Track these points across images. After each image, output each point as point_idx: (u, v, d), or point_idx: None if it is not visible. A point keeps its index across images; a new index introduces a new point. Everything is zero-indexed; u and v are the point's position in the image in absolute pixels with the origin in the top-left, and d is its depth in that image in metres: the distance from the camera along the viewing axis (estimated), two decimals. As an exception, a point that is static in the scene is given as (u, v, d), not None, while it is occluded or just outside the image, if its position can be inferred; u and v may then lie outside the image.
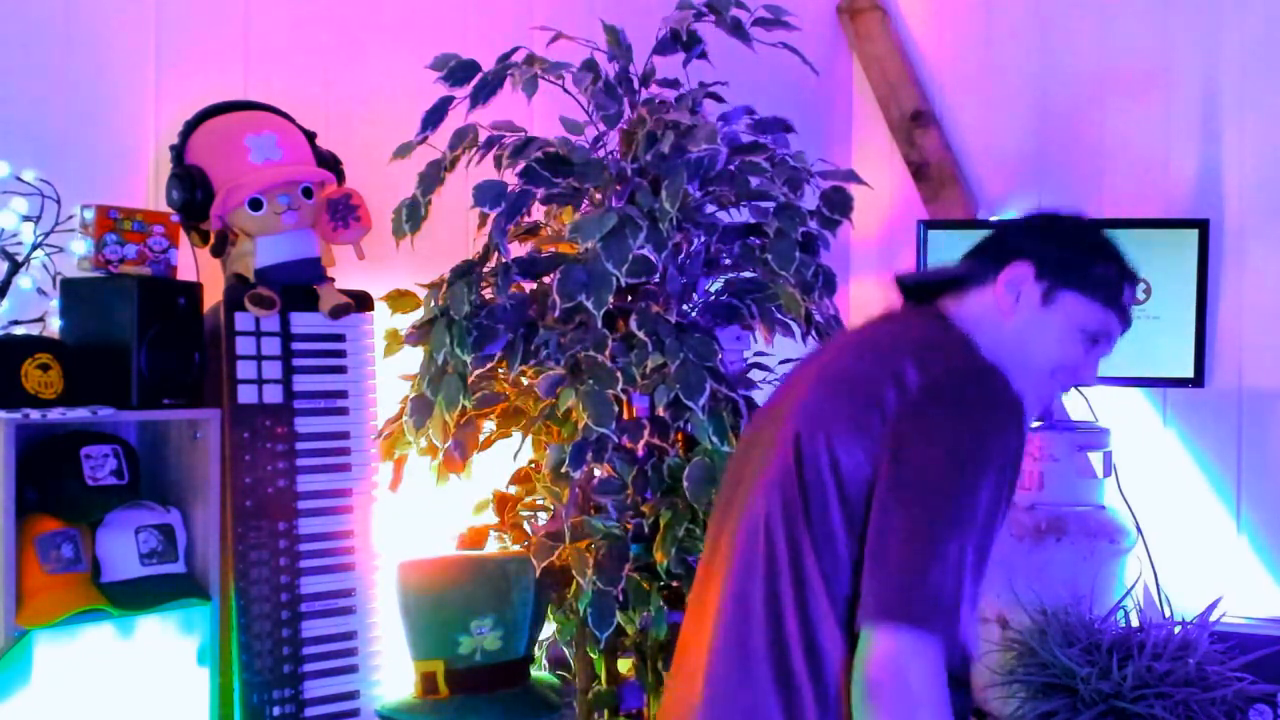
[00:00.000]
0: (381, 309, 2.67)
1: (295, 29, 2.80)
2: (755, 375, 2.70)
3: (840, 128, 3.87)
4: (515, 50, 2.61)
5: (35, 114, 2.46)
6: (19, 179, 2.30)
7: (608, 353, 2.42)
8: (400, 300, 2.74)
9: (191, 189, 2.40)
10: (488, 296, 2.55)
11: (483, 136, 2.56)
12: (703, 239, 2.62)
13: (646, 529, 2.52)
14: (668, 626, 2.48)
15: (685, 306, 2.60)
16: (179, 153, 2.45)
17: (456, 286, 2.51)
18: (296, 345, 2.49)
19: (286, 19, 2.79)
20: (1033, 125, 3.50)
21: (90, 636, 2.19)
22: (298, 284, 2.49)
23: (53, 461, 2.20)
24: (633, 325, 2.45)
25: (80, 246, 2.29)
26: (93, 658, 2.19)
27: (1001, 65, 3.58)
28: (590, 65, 2.59)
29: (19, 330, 2.28)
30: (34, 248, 2.29)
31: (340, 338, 2.54)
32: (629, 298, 2.54)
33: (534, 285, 2.60)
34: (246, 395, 2.42)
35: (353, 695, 2.51)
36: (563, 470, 2.43)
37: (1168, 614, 2.84)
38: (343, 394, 2.54)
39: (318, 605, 2.48)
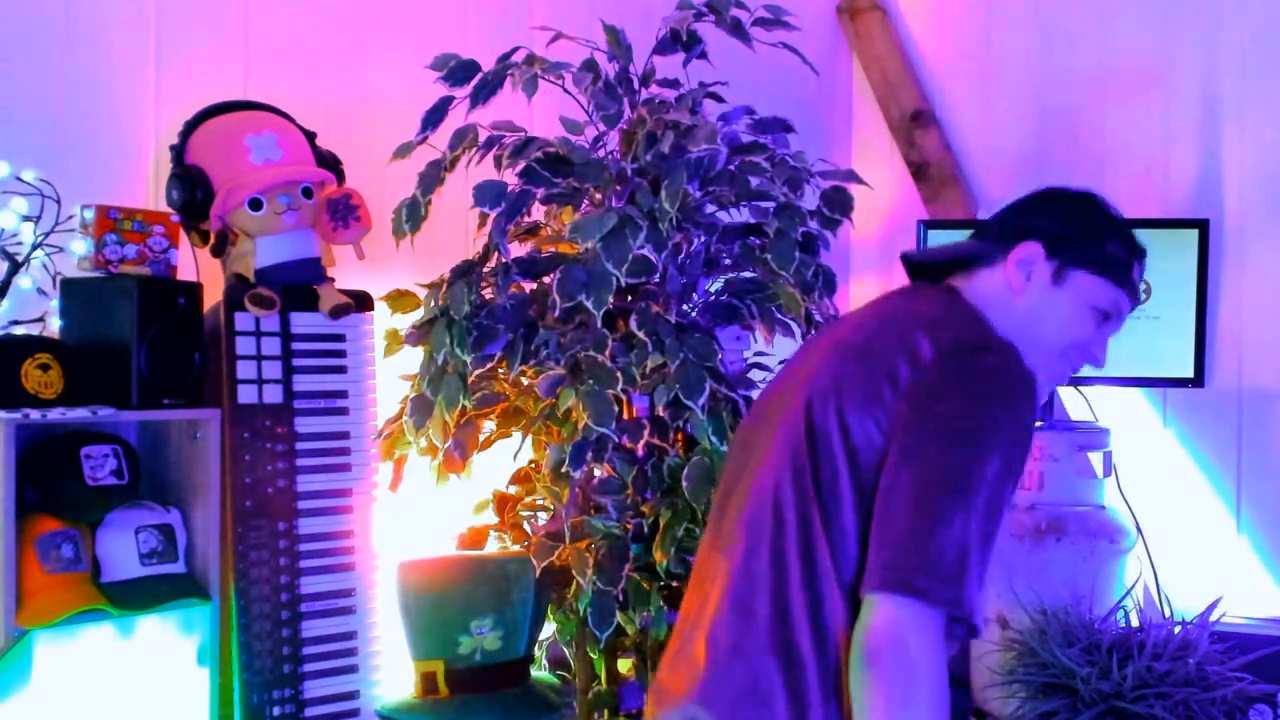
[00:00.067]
0: (381, 309, 2.67)
1: (295, 29, 2.80)
2: (755, 375, 2.70)
3: (840, 128, 3.87)
4: (515, 50, 2.61)
5: (35, 114, 2.46)
6: (19, 179, 2.30)
7: (608, 353, 2.42)
8: (400, 300, 2.74)
9: (191, 189, 2.40)
10: (488, 296, 2.55)
11: (483, 136, 2.56)
12: (703, 239, 2.62)
13: (646, 529, 2.52)
14: (668, 626, 2.48)
15: (685, 306, 2.60)
16: (179, 153, 2.45)
17: (456, 286, 2.51)
18: (296, 345, 2.49)
19: (286, 19, 2.79)
20: (1033, 125, 3.50)
21: (90, 636, 2.19)
22: (298, 284, 2.49)
23: (53, 461, 2.20)
24: (633, 325, 2.45)
25: (80, 246, 2.29)
26: (93, 658, 2.19)
27: (1001, 65, 3.58)
28: (590, 65, 2.59)
29: (19, 330, 2.28)
30: (34, 248, 2.29)
31: (340, 338, 2.54)
32: (629, 298, 2.54)
33: (534, 285, 2.60)
34: (246, 395, 2.42)
35: (353, 695, 2.51)
36: (563, 470, 2.43)
37: (1168, 614, 2.84)
38: (343, 394, 2.54)
39: (318, 605, 2.48)
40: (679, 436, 2.54)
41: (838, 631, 1.64)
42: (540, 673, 2.71)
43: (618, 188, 2.53)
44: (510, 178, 2.51)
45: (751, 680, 1.66)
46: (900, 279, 2.03)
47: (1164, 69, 3.26)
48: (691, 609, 1.80)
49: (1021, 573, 2.82)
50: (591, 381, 2.40)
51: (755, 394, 2.62)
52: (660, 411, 2.43)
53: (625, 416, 2.53)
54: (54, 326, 2.33)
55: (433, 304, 2.58)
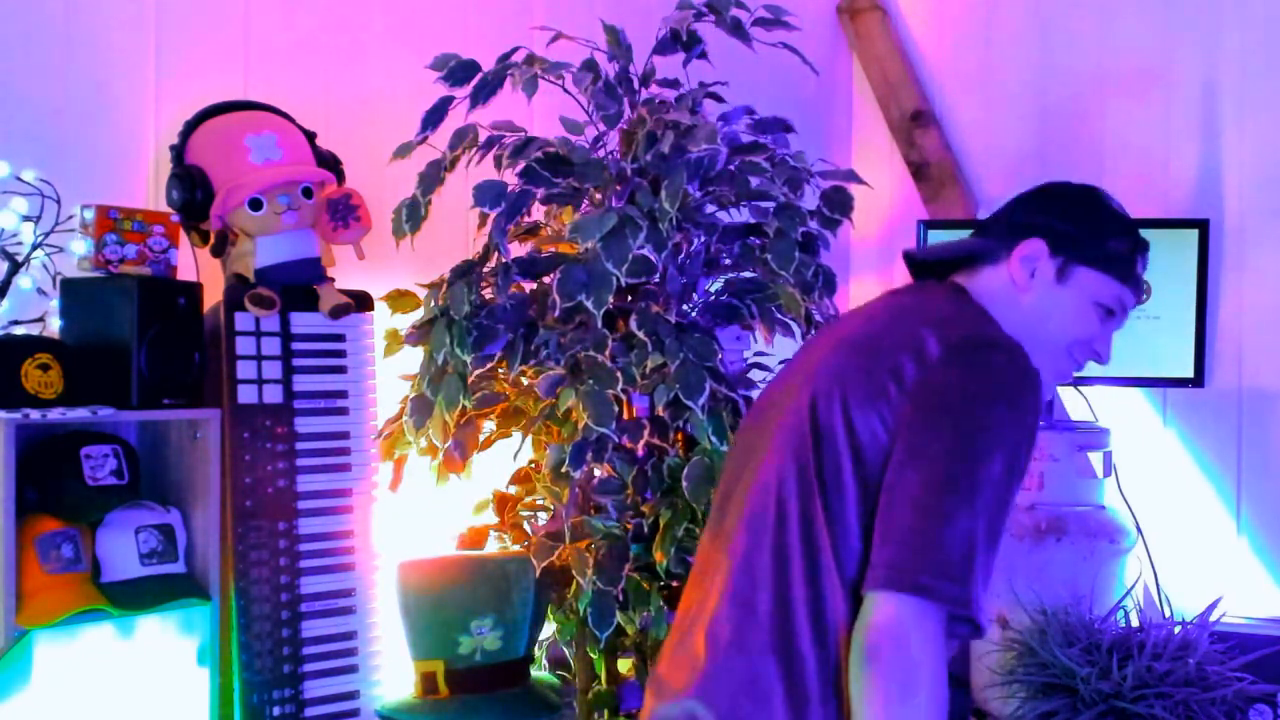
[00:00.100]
0: (381, 309, 2.67)
1: (295, 29, 2.80)
2: (755, 375, 2.70)
3: (840, 128, 3.87)
4: (515, 50, 2.61)
5: (35, 114, 2.46)
6: (19, 179, 2.30)
7: (608, 353, 2.42)
8: (400, 300, 2.74)
9: (191, 189, 2.40)
10: (488, 296, 2.55)
11: (483, 136, 2.56)
12: (703, 239, 2.62)
13: (646, 529, 2.52)
14: (668, 626, 2.48)
15: (685, 306, 2.60)
16: (179, 153, 2.45)
17: (456, 286, 2.51)
18: (296, 345, 2.49)
19: (286, 19, 2.79)
20: (1033, 125, 3.50)
21: (90, 636, 2.19)
22: (298, 284, 2.49)
23: (53, 461, 2.20)
24: (633, 325, 2.45)
25: (80, 246, 2.29)
26: (93, 658, 2.19)
27: (1001, 65, 3.58)
28: (590, 65, 2.59)
29: (19, 330, 2.28)
30: (34, 248, 2.29)
31: (340, 338, 2.54)
32: (629, 298, 2.54)
33: (534, 285, 2.60)
34: (246, 395, 2.42)
35: (353, 695, 2.51)
36: (563, 470, 2.43)
37: (1168, 614, 2.84)
38: (343, 394, 2.54)
39: (318, 605, 2.48)
40: (679, 436, 2.54)
41: (839, 628, 1.64)
42: (540, 673, 2.71)
43: (618, 188, 2.53)
44: (510, 178, 2.51)
45: (751, 675, 1.66)
46: (901, 278, 2.03)
47: (1164, 69, 3.26)
48: (691, 604, 1.80)
49: (1021, 573, 2.82)
50: (591, 381, 2.40)
51: (755, 394, 2.62)
52: (660, 411, 2.43)
53: (625, 416, 2.53)
54: (54, 326, 2.33)
55: (433, 304, 2.58)
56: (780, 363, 2.71)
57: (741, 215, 2.69)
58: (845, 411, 1.68)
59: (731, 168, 2.59)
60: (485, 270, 2.59)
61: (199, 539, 2.36)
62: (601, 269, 2.40)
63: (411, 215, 2.52)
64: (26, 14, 2.46)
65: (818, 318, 2.63)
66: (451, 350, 2.49)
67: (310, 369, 2.50)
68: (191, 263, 2.50)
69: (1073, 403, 3.23)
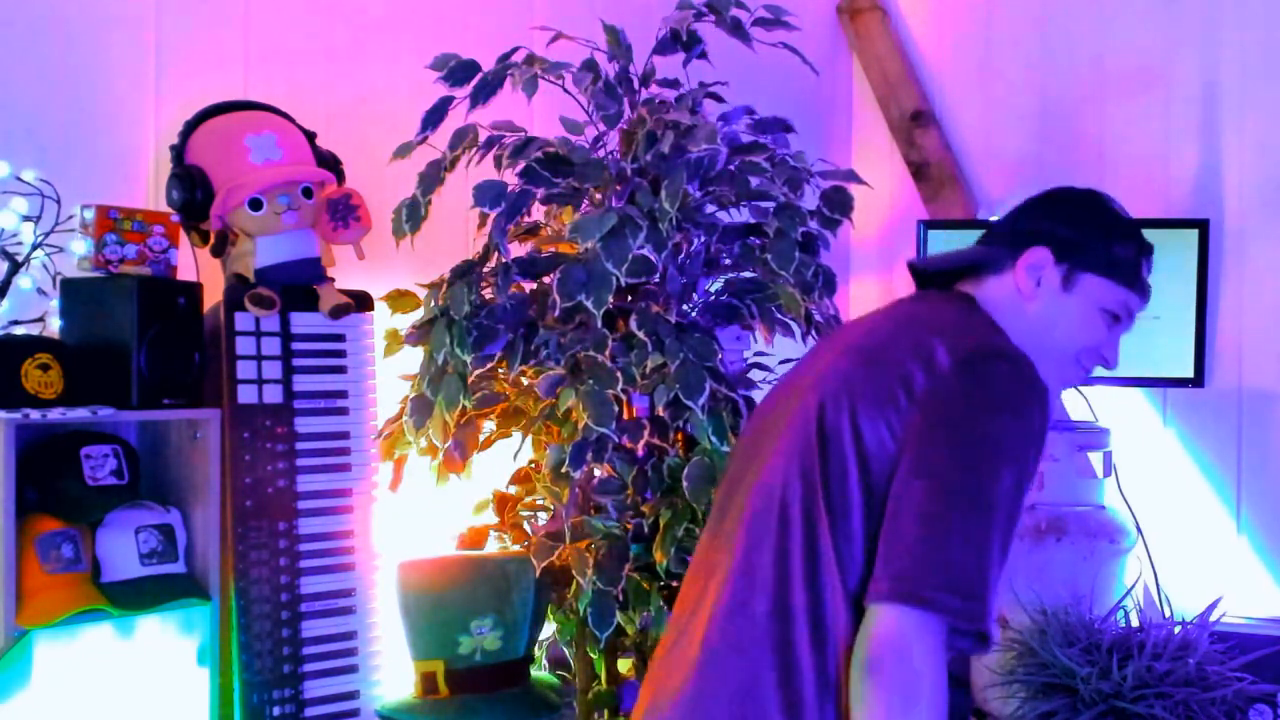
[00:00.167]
0: (381, 309, 2.67)
1: (295, 29, 2.80)
2: (755, 375, 2.70)
3: (840, 128, 3.87)
4: (515, 50, 2.61)
5: (35, 114, 2.46)
6: (19, 179, 2.30)
7: (608, 353, 2.42)
8: (400, 300, 2.74)
9: (191, 189, 2.40)
10: (488, 296, 2.55)
11: (483, 136, 2.56)
12: (703, 239, 2.62)
13: (646, 529, 2.52)
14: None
15: (685, 306, 2.60)
16: (179, 153, 2.45)
17: (456, 286, 2.51)
18: (296, 345, 2.49)
19: (286, 19, 2.79)
20: (1033, 125, 3.50)
21: (90, 636, 2.19)
22: (298, 284, 2.49)
23: (53, 461, 2.20)
24: (633, 325, 2.45)
25: (80, 246, 2.29)
26: (93, 658, 2.19)
27: (1001, 65, 3.58)
28: (590, 65, 2.59)
29: (19, 330, 2.28)
30: (34, 248, 2.29)
31: (340, 338, 2.54)
32: (629, 298, 2.54)
33: (534, 285, 2.60)
34: (246, 395, 2.42)
35: (353, 695, 2.51)
36: (563, 470, 2.43)
37: (1168, 614, 2.84)
38: (343, 394, 2.54)
39: (318, 605, 2.48)
40: (679, 436, 2.54)
41: (838, 635, 1.63)
42: (540, 673, 2.71)
43: (618, 188, 2.53)
44: (510, 178, 2.51)
45: (747, 679, 1.65)
46: (901, 278, 2.03)
47: (1164, 69, 3.26)
48: (688, 605, 1.79)
49: (1021, 573, 2.82)
50: (591, 381, 2.40)
51: (755, 394, 2.62)
52: (660, 411, 2.43)
53: (625, 416, 2.53)
54: (54, 326, 2.33)
55: (433, 304, 2.58)
56: (781, 363, 2.72)
57: (741, 215, 2.69)
58: (853, 418, 1.67)
59: (731, 168, 2.59)
60: (485, 270, 2.59)
61: (199, 539, 2.36)
62: (601, 269, 2.40)
63: (411, 215, 2.52)
64: (27, 14, 2.46)
65: (818, 318, 2.63)
66: (451, 350, 2.49)
67: (310, 369, 2.50)
68: (191, 263, 2.50)
69: (1073, 403, 3.23)
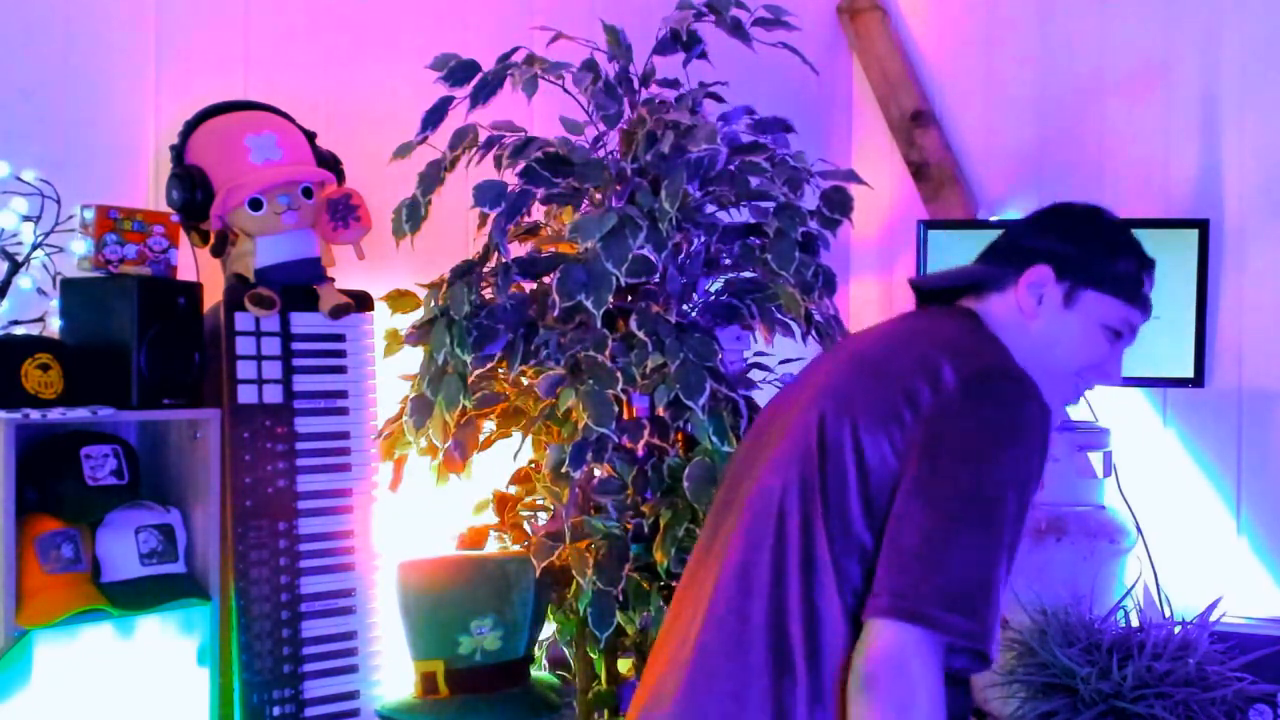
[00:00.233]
0: (381, 309, 2.67)
1: (295, 29, 2.80)
2: (755, 375, 2.70)
3: (840, 128, 3.87)
4: (515, 50, 2.61)
5: (35, 114, 2.46)
6: (19, 179, 2.30)
7: (608, 353, 2.42)
8: (400, 300, 2.74)
9: (191, 189, 2.40)
10: (488, 296, 2.55)
11: (483, 136, 2.56)
12: (703, 239, 2.62)
13: (646, 529, 2.52)
14: (668, 626, 2.48)
15: (685, 306, 2.60)
16: (179, 153, 2.45)
17: (456, 286, 2.51)
18: (296, 345, 2.49)
19: (286, 19, 2.79)
20: (1033, 125, 3.50)
21: (90, 636, 2.19)
22: (298, 284, 2.49)
23: (53, 461, 2.20)
24: (633, 325, 2.45)
25: (80, 246, 2.29)
26: (93, 658, 2.19)
27: (1001, 65, 3.58)
28: (590, 65, 2.59)
29: (19, 330, 2.28)
30: (34, 248, 2.29)
31: (340, 338, 2.54)
32: (629, 298, 2.54)
33: (534, 285, 2.60)
34: (246, 395, 2.42)
35: (353, 695, 2.51)
36: (563, 470, 2.43)
37: (1168, 614, 2.84)
38: (343, 394, 2.54)
39: (318, 605, 2.48)
40: (679, 437, 2.54)
41: (834, 648, 1.63)
42: (540, 673, 2.71)
43: (618, 188, 2.53)
44: (510, 178, 2.51)
45: (739, 685, 1.65)
46: (901, 280, 2.03)
47: (1164, 69, 3.26)
48: (684, 612, 1.79)
49: (1021, 573, 2.80)
50: (591, 381, 2.40)
51: (755, 394, 2.62)
52: (660, 411, 2.43)
53: (625, 416, 2.53)
54: (54, 326, 2.33)
55: (433, 304, 2.58)
56: (781, 362, 2.72)
57: (741, 215, 2.69)
58: (854, 432, 1.67)
59: (731, 168, 2.59)
60: (485, 270, 2.59)
61: (199, 539, 2.36)
62: (601, 269, 2.40)
63: (411, 215, 2.52)
64: (27, 14, 2.46)
65: (818, 318, 2.63)
66: (451, 350, 2.49)
67: (310, 369, 2.50)
68: (191, 263, 2.50)
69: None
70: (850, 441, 1.67)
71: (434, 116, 2.57)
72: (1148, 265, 1.87)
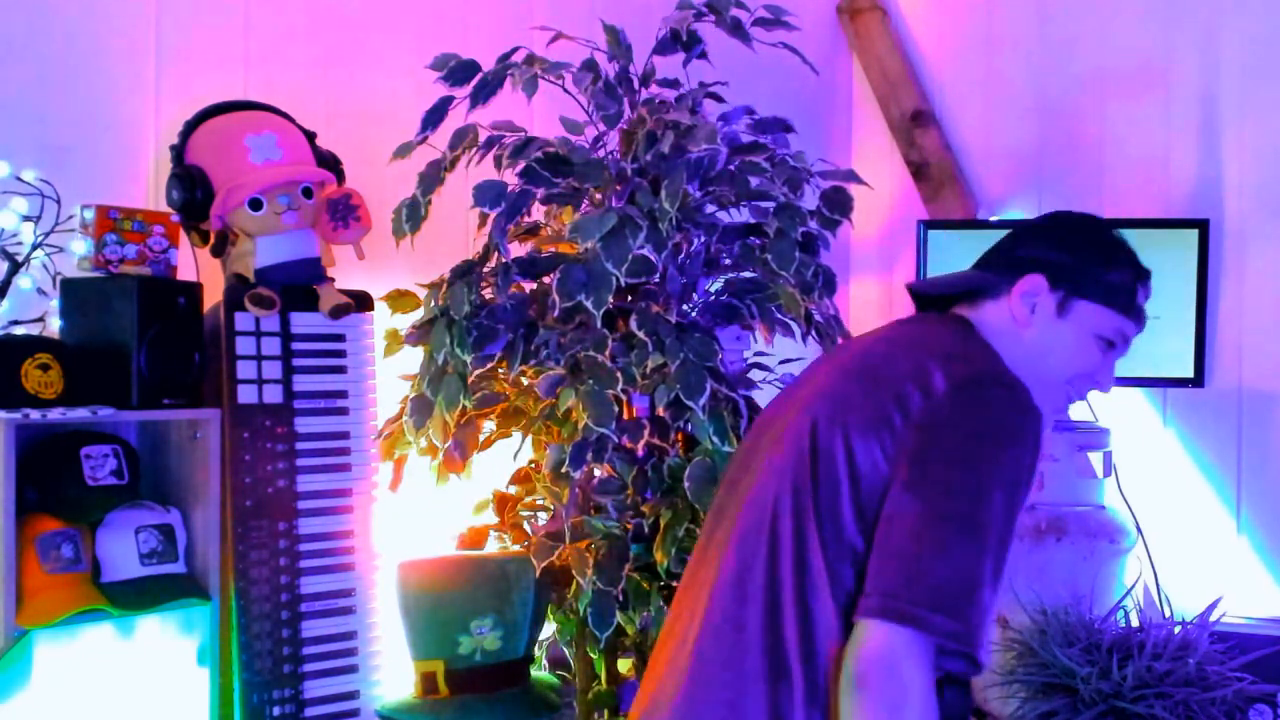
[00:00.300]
0: (381, 309, 2.67)
1: (295, 29, 2.80)
2: (755, 375, 2.70)
3: (840, 128, 3.87)
4: (515, 50, 2.61)
5: (35, 114, 2.46)
6: (19, 179, 2.30)
7: (608, 353, 2.42)
8: (400, 300, 2.74)
9: (191, 189, 2.40)
10: (488, 296, 2.55)
11: (483, 136, 2.56)
12: (703, 239, 2.62)
13: (646, 529, 2.52)
14: (668, 626, 2.48)
15: (685, 306, 2.60)
16: (179, 153, 2.45)
17: (456, 286, 2.51)
18: (296, 345, 2.49)
19: (286, 19, 2.79)
20: (1033, 125, 3.50)
21: (90, 636, 2.19)
22: (298, 284, 2.49)
23: (53, 461, 2.20)
24: (633, 325, 2.45)
25: (80, 246, 2.29)
26: (93, 658, 2.19)
27: (1001, 65, 3.58)
28: (590, 65, 2.59)
29: (19, 330, 2.28)
30: (34, 248, 2.29)
31: (340, 338, 2.54)
32: (629, 298, 2.54)
33: (534, 285, 2.60)
34: (246, 395, 2.42)
35: (353, 695, 2.51)
36: (563, 470, 2.43)
37: (1168, 614, 2.84)
38: (343, 394, 2.54)
39: (318, 605, 2.48)
40: (679, 437, 2.54)
41: (828, 652, 1.64)
42: (540, 673, 2.71)
43: (618, 188, 2.53)
44: (510, 178, 2.51)
45: (734, 696, 1.66)
46: (901, 280, 2.03)
47: (1164, 69, 3.26)
48: (681, 618, 1.80)
49: (1021, 573, 2.82)
50: (591, 381, 2.40)
51: (755, 394, 2.62)
52: (660, 412, 2.43)
53: (625, 416, 2.53)
54: (54, 326, 2.33)
55: (433, 304, 2.58)
56: (781, 363, 2.72)
57: (741, 215, 2.69)
58: (846, 437, 1.68)
59: (731, 168, 2.59)
60: (485, 270, 2.59)
61: (199, 539, 2.36)
62: (601, 269, 2.40)
63: (411, 215, 2.52)
64: (27, 14, 2.46)
65: (818, 318, 2.63)
66: (451, 350, 2.49)
67: (310, 369, 2.50)
68: (191, 263, 2.50)
69: (1074, 404, 3.23)
70: (842, 447, 1.68)
71: (434, 116, 2.57)
72: (1143, 276, 1.87)
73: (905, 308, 2.01)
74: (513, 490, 2.74)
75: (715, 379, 2.42)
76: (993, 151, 3.59)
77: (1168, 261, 3.03)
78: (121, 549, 2.25)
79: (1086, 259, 1.84)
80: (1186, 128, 3.22)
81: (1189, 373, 3.09)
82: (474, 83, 2.55)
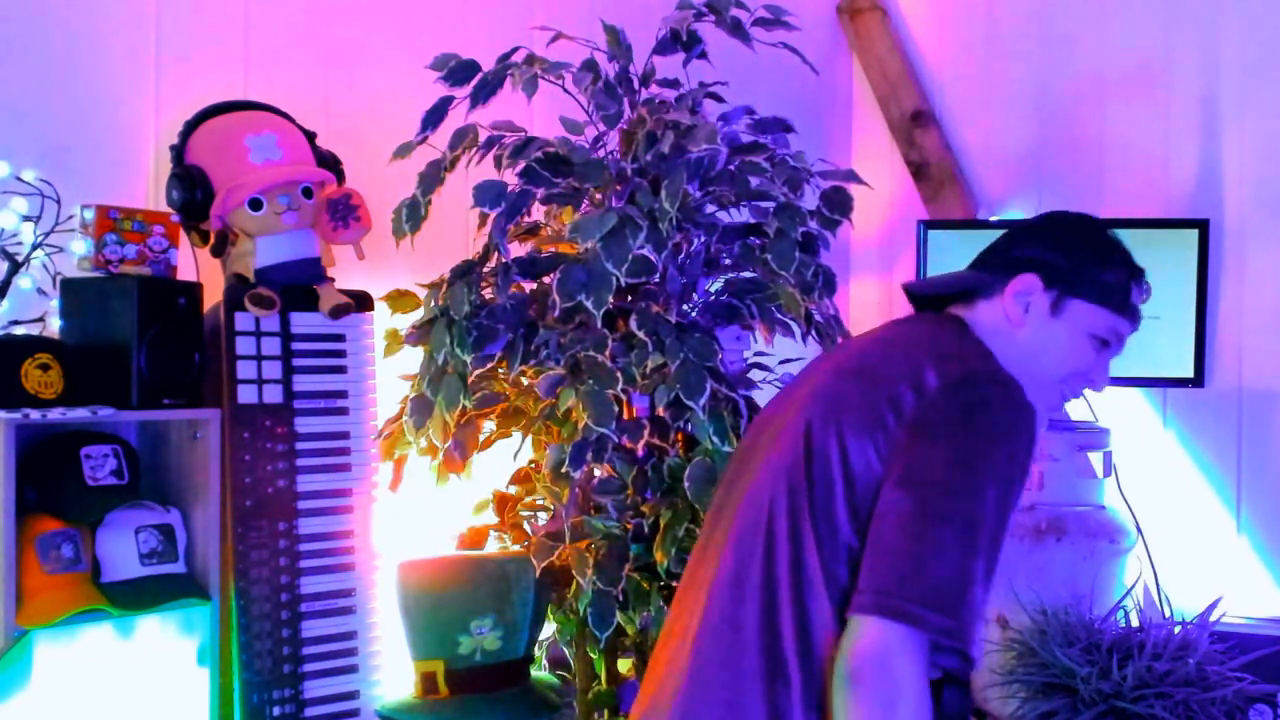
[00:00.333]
0: (381, 309, 2.67)
1: (295, 29, 2.80)
2: (755, 375, 2.70)
3: (840, 128, 3.87)
4: (515, 50, 2.61)
5: (35, 114, 2.46)
6: (19, 179, 2.30)
7: (608, 353, 2.42)
8: (400, 300, 2.74)
9: (191, 189, 2.40)
10: (488, 296, 2.55)
11: (483, 136, 2.56)
12: (703, 239, 2.62)
13: (646, 529, 2.52)
14: (668, 626, 2.48)
15: (685, 306, 2.60)
16: (179, 153, 2.45)
17: (456, 286, 2.51)
18: (296, 345, 2.49)
19: (286, 19, 2.79)
20: (1033, 125, 3.51)
21: (90, 636, 2.19)
22: (298, 284, 2.49)
23: (53, 461, 2.20)
24: (633, 325, 2.45)
25: (80, 246, 2.29)
26: (93, 658, 2.19)
27: (1001, 65, 3.58)
28: (590, 65, 2.59)
29: (19, 330, 2.28)
30: (34, 248, 2.29)
31: (340, 338, 2.54)
32: (629, 298, 2.54)
33: (534, 285, 2.60)
34: (246, 395, 2.42)
35: (353, 695, 2.51)
36: (563, 470, 2.43)
37: (1168, 614, 2.84)
38: (343, 394, 2.54)
39: (318, 605, 2.48)
40: (679, 437, 2.54)
41: (826, 651, 1.64)
42: (540, 673, 2.71)
43: (618, 188, 2.53)
44: (510, 178, 2.51)
45: (733, 696, 1.67)
46: (900, 279, 2.03)
47: (1164, 69, 3.26)
48: (680, 618, 1.81)
49: (1021, 573, 2.82)
50: (591, 381, 2.40)
51: (755, 394, 2.62)
52: (660, 412, 2.43)
53: (625, 416, 2.53)
54: (54, 326, 2.33)
55: (433, 304, 2.58)
56: (781, 362, 2.72)
57: (741, 215, 2.70)
58: (840, 438, 1.68)
59: (731, 168, 2.59)
60: (485, 270, 2.59)
61: (199, 539, 2.36)
62: (601, 269, 2.40)
63: (411, 215, 2.52)
64: (27, 14, 2.46)
65: (818, 318, 2.63)
66: (451, 350, 2.49)
67: (310, 369, 2.50)
68: (191, 263, 2.50)
69: (1073, 403, 3.22)
70: (836, 447, 1.68)
71: (434, 116, 2.57)
72: (1137, 275, 1.87)
73: (905, 308, 2.02)
74: (513, 490, 2.74)
75: (715, 379, 2.42)
76: (993, 151, 3.59)
77: (1168, 261, 3.04)
78: (121, 549, 2.25)
79: (1080, 258, 1.84)
80: (1186, 128, 3.22)
81: (1189, 373, 3.09)
82: (474, 83, 2.55)
